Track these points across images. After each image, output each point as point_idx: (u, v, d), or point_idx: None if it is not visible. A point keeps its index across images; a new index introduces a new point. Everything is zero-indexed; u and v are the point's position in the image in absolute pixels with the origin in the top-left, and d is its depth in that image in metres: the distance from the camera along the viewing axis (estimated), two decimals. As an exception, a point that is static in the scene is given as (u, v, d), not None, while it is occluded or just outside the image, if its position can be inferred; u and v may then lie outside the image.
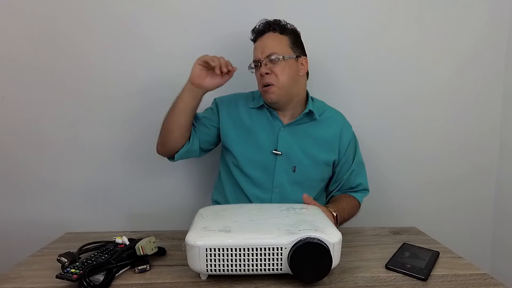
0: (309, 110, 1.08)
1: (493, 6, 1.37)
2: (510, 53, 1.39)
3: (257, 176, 1.08)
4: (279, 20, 1.07)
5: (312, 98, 1.14)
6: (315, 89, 1.19)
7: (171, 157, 1.11)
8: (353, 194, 1.15)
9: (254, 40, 1.09)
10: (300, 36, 1.10)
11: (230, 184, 1.14)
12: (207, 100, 1.14)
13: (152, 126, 1.34)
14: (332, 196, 1.17)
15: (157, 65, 1.31)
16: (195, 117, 1.10)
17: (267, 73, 1.02)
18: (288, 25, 1.08)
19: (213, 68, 0.97)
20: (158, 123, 1.33)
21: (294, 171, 1.08)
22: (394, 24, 1.36)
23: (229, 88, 1.10)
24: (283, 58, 1.02)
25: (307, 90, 1.14)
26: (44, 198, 1.35)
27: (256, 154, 1.08)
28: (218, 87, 1.03)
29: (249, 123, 1.11)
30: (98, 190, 1.36)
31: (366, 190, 1.18)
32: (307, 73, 1.12)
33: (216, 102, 1.16)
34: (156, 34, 1.30)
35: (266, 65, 1.02)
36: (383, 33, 1.36)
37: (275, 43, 1.03)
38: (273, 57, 1.02)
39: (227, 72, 0.99)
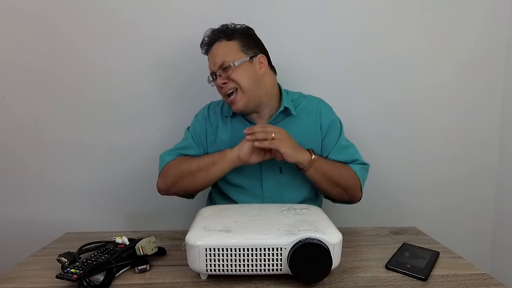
0: (284, 107, 1.05)
1: (493, 6, 1.37)
2: (510, 53, 1.39)
3: (246, 184, 1.07)
4: (226, 25, 1.05)
5: (287, 92, 1.11)
6: (315, 89, 1.18)
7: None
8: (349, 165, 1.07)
9: (206, 53, 1.06)
10: (252, 35, 1.06)
11: (219, 197, 1.12)
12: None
13: (152, 126, 1.35)
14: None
15: (157, 64, 1.31)
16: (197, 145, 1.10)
17: (224, 83, 1.00)
18: (236, 27, 1.04)
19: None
20: (158, 123, 1.34)
21: (281, 171, 1.06)
22: (394, 25, 1.36)
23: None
24: (234, 64, 0.99)
25: (279, 85, 1.11)
26: (44, 198, 1.35)
27: None
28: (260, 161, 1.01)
29: (228, 133, 1.09)
30: (98, 190, 1.36)
31: (364, 164, 1.09)
32: (274, 69, 1.09)
33: (199, 119, 1.13)
34: (156, 33, 1.30)
35: (220, 75, 1.01)
36: (383, 34, 1.36)
37: (224, 51, 1.01)
38: (225, 65, 1.00)
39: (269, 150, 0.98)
